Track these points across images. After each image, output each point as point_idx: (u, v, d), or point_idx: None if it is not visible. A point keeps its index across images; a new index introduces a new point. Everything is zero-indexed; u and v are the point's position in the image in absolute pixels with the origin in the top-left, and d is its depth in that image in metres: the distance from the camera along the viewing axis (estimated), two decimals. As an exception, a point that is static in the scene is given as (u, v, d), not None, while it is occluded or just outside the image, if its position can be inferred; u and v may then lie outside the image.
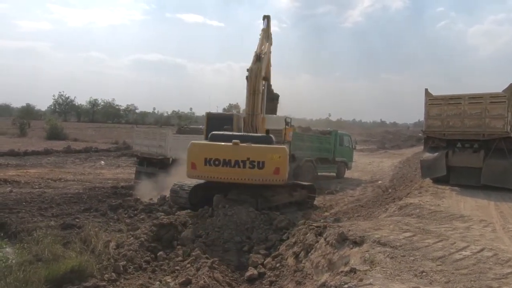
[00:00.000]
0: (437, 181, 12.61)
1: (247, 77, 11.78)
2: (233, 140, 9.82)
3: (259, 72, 11.68)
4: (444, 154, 12.30)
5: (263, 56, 12.15)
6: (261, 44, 12.95)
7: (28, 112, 75.69)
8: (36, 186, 14.10)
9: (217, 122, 12.22)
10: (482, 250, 5.44)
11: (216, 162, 9.75)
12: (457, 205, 9.40)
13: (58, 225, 8.88)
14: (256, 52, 12.30)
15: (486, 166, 11.49)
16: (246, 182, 9.83)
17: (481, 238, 6.21)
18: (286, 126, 11.61)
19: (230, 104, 68.67)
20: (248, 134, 10.83)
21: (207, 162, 9.82)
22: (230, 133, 10.62)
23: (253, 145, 9.87)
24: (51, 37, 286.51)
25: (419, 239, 5.88)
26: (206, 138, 11.63)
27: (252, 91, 11.66)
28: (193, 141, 10.61)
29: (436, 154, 12.52)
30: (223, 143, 9.99)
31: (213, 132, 10.88)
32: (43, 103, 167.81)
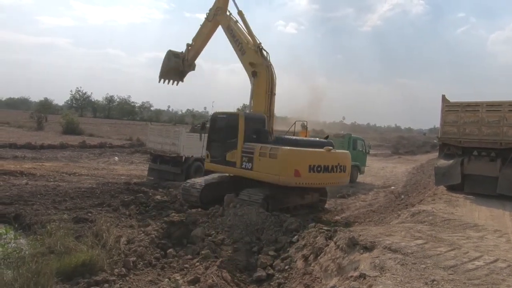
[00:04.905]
0: (451, 188, 12.41)
1: (253, 73, 11.47)
2: (325, 147, 10.50)
3: (273, 69, 11.46)
4: (460, 161, 12.10)
5: (261, 47, 11.58)
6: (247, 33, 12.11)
7: (45, 106, 77.36)
8: (51, 180, 14.34)
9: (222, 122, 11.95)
10: (495, 260, 5.33)
11: (319, 169, 10.22)
12: (471, 214, 9.24)
13: (71, 219, 9.00)
14: (255, 45, 11.66)
15: (502, 175, 11.26)
16: (334, 185, 11.19)
17: (495, 249, 6.09)
18: (302, 130, 11.83)
19: (244, 104, 68.94)
20: (313, 139, 11.63)
21: (311, 169, 10.10)
22: (298, 137, 11.31)
23: (337, 151, 11.03)
24: (71, 34, 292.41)
25: (431, 247, 5.79)
26: (210, 139, 11.56)
27: (270, 91, 11.39)
28: (288, 147, 10.06)
29: (451, 161, 12.33)
30: (320, 149, 10.52)
31: (278, 136, 11.01)
32: (60, 98, 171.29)
